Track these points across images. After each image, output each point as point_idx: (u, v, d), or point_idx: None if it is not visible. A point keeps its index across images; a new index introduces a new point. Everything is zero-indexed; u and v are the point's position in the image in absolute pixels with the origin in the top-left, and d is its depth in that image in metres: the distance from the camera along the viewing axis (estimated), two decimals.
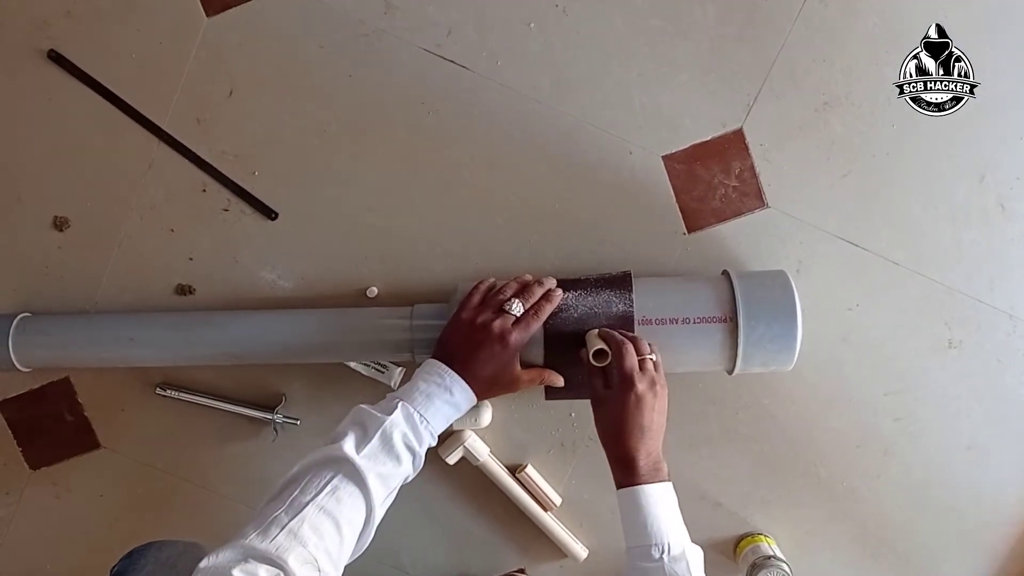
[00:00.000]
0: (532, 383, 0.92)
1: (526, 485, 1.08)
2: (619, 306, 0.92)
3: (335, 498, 0.74)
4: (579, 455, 1.08)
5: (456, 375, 0.86)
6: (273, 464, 1.10)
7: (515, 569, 1.11)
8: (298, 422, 1.08)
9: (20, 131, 1.06)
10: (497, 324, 0.87)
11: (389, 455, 0.79)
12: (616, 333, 0.89)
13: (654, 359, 0.88)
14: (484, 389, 0.87)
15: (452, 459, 1.05)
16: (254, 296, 1.07)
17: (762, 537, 1.07)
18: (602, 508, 1.09)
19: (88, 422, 1.11)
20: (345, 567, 0.75)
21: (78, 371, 1.10)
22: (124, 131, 1.05)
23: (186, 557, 0.90)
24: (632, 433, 0.85)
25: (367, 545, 0.78)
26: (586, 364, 0.89)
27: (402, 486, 0.82)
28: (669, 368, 0.94)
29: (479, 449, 1.05)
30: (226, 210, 1.06)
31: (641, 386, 0.85)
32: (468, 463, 1.07)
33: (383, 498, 0.78)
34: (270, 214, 1.06)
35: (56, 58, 1.04)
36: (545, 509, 1.08)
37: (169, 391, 1.08)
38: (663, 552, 0.82)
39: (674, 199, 1.04)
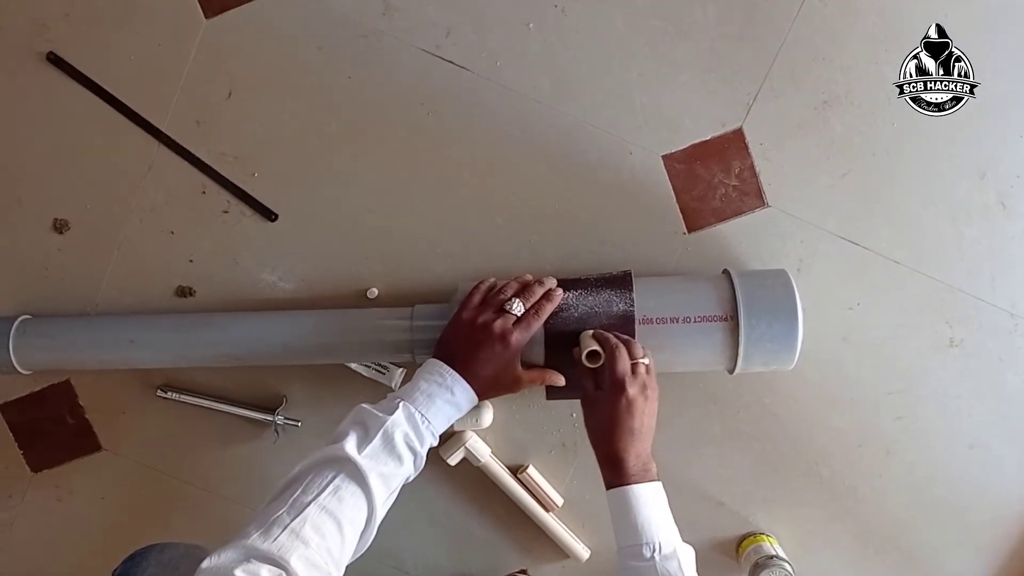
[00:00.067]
0: (533, 383, 0.92)
1: (527, 486, 1.07)
2: (620, 305, 0.92)
3: (337, 498, 0.74)
4: (581, 455, 1.08)
5: (457, 375, 0.85)
6: (274, 466, 1.10)
7: (517, 570, 1.10)
8: (299, 423, 1.08)
9: (19, 133, 1.07)
10: (498, 324, 0.87)
11: (391, 455, 0.79)
12: (611, 335, 0.89)
13: (647, 363, 0.88)
14: (485, 389, 0.87)
15: (453, 460, 1.05)
16: (254, 298, 1.07)
17: (764, 537, 1.07)
18: (604, 509, 1.06)
19: (89, 424, 1.11)
20: (347, 567, 0.75)
21: (79, 373, 1.10)
22: (124, 133, 1.05)
23: (188, 559, 0.90)
24: (622, 436, 0.86)
25: (368, 545, 0.78)
26: (578, 364, 0.89)
27: (403, 486, 0.82)
28: (670, 367, 0.94)
29: (480, 450, 1.05)
30: (226, 212, 1.06)
31: (632, 390, 0.86)
32: (469, 464, 1.07)
33: (385, 498, 0.78)
34: (270, 215, 1.06)
35: (55, 60, 1.04)
36: (547, 510, 1.08)
37: (170, 393, 1.08)
38: (654, 551, 0.82)
39: (674, 199, 1.04)
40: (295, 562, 0.68)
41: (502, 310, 0.89)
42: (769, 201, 1.03)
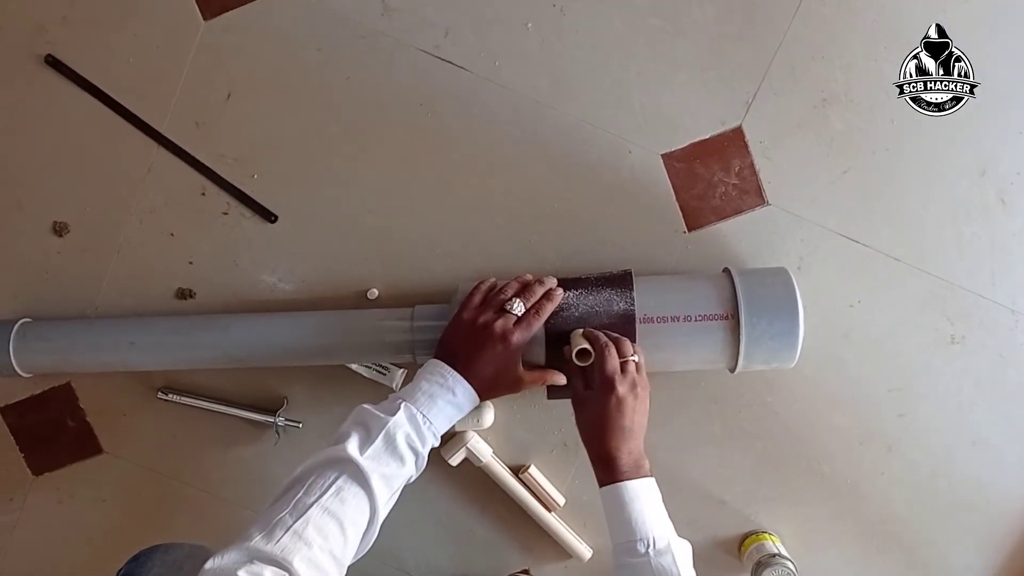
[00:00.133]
0: (534, 384, 0.91)
1: (529, 485, 1.07)
2: (620, 305, 0.92)
3: (339, 499, 0.74)
4: (582, 455, 1.06)
5: (459, 375, 0.85)
6: (276, 467, 1.10)
7: (519, 570, 1.10)
8: (300, 425, 1.07)
9: (18, 136, 1.06)
10: (499, 324, 0.87)
11: (392, 456, 0.79)
12: (600, 334, 0.89)
13: (636, 360, 0.88)
14: (487, 389, 0.87)
15: (455, 460, 1.05)
16: (255, 299, 1.07)
17: (766, 535, 1.07)
18: None
19: (90, 427, 1.11)
20: (348, 568, 0.75)
21: (79, 376, 1.10)
22: (123, 135, 1.05)
23: (192, 560, 0.90)
24: (613, 434, 0.86)
25: (371, 546, 0.78)
26: (568, 363, 0.89)
27: (405, 487, 0.82)
28: (670, 366, 0.94)
29: (482, 450, 1.05)
30: (226, 213, 1.06)
31: (622, 389, 0.86)
32: (471, 464, 1.07)
33: (387, 499, 0.78)
34: (270, 217, 1.06)
35: (53, 63, 1.04)
36: (549, 509, 1.08)
37: (171, 395, 1.08)
38: (648, 547, 0.82)
39: (674, 198, 1.04)
40: (298, 563, 0.68)
41: (503, 310, 0.89)
42: (769, 199, 1.03)
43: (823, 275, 1.03)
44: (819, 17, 1.00)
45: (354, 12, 1.03)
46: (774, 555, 1.02)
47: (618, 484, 0.85)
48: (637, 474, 0.85)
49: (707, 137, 1.03)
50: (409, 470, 0.81)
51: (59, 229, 1.07)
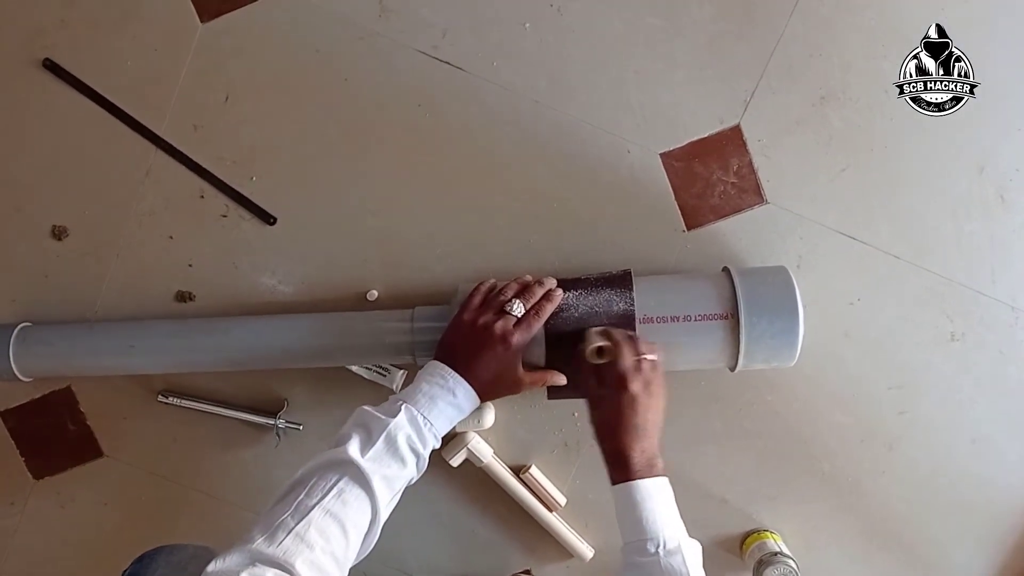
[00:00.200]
0: (535, 385, 0.91)
1: (530, 486, 1.07)
2: (620, 305, 0.92)
3: (341, 501, 0.74)
4: (583, 454, 1.08)
5: (459, 377, 0.85)
6: (277, 469, 1.10)
7: (521, 570, 1.10)
8: (301, 427, 1.07)
9: (16, 140, 1.06)
10: (499, 325, 0.87)
11: (394, 457, 0.79)
12: (616, 332, 0.89)
13: (652, 359, 0.88)
14: (487, 391, 0.87)
15: (456, 461, 1.05)
16: (254, 301, 1.07)
17: (768, 533, 1.07)
18: (607, 507, 1.06)
19: (91, 431, 1.11)
20: (350, 569, 0.75)
21: (80, 380, 1.10)
22: (121, 138, 1.05)
23: (197, 561, 0.90)
24: (627, 432, 0.85)
25: (372, 548, 0.78)
26: (584, 361, 0.89)
27: (406, 488, 0.82)
28: (671, 366, 0.94)
29: (483, 450, 1.05)
30: (224, 216, 1.06)
31: (636, 386, 0.85)
32: (472, 465, 1.07)
33: (388, 500, 0.78)
34: (268, 219, 1.06)
35: (51, 67, 1.04)
36: (550, 509, 1.08)
37: (171, 398, 1.08)
38: (658, 547, 0.82)
39: (673, 197, 1.04)
40: (300, 566, 0.68)
41: (503, 311, 0.89)
42: (768, 198, 1.03)
43: (822, 273, 1.03)
44: (817, 15, 1.00)
45: (352, 13, 1.02)
46: (776, 553, 1.02)
47: (630, 483, 0.84)
48: (650, 473, 0.85)
49: (706, 136, 1.03)
50: (410, 472, 0.81)
51: (58, 233, 1.07)
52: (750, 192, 1.03)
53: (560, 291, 0.92)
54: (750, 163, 1.03)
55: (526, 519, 1.08)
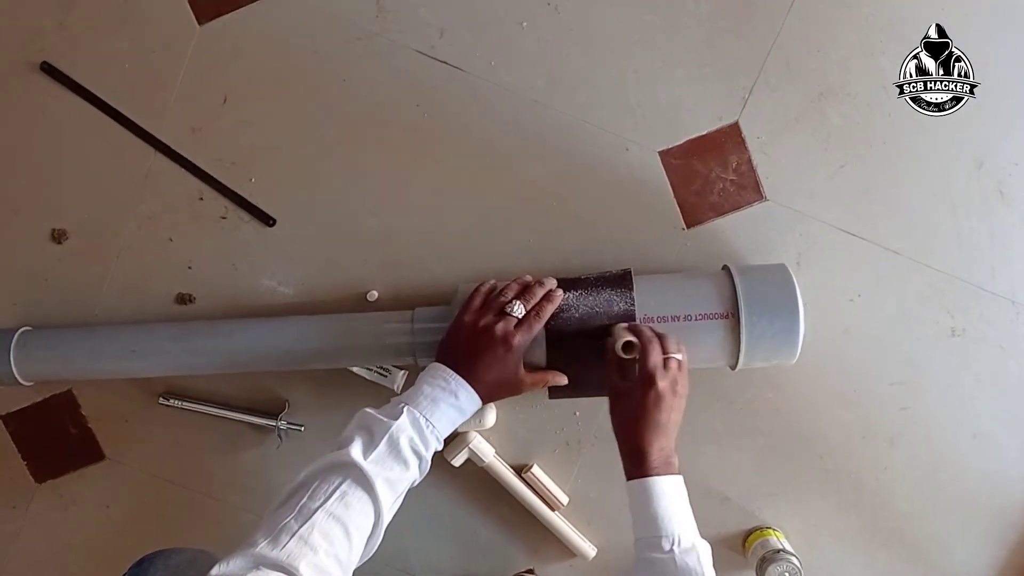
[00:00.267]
0: (536, 386, 0.92)
1: (532, 485, 1.07)
2: (620, 305, 0.92)
3: (344, 504, 0.74)
4: (585, 454, 1.08)
5: (461, 379, 0.85)
6: (278, 471, 1.10)
7: (524, 570, 1.10)
8: (302, 428, 1.08)
9: (15, 144, 1.06)
10: (500, 327, 0.87)
11: (396, 460, 0.79)
12: (645, 328, 0.89)
13: (679, 358, 0.88)
14: (489, 392, 0.87)
15: (457, 461, 1.05)
16: (254, 303, 1.07)
17: (771, 531, 1.07)
18: (609, 506, 1.08)
19: (92, 434, 1.11)
20: (353, 572, 0.75)
21: (81, 383, 1.10)
22: (119, 141, 1.05)
23: (194, 565, 0.90)
24: (648, 428, 0.85)
25: (375, 550, 0.78)
26: (612, 356, 0.88)
27: (408, 489, 0.82)
28: None
29: (484, 450, 1.05)
30: (224, 218, 1.06)
31: (662, 384, 0.85)
32: (474, 465, 1.07)
33: (391, 503, 0.78)
34: (268, 221, 1.06)
35: (49, 70, 1.04)
36: (552, 509, 1.08)
37: (172, 401, 1.08)
38: (674, 544, 0.82)
39: (672, 195, 1.04)
40: (304, 569, 0.68)
41: (503, 312, 0.89)
42: (767, 195, 1.03)
43: (822, 270, 1.03)
44: (814, 12, 1.00)
45: (349, 14, 1.02)
46: (779, 551, 1.02)
47: (647, 479, 0.84)
48: (667, 471, 0.85)
49: (704, 133, 1.03)
50: (413, 474, 0.81)
51: (58, 236, 1.07)
52: (749, 189, 1.03)
53: (560, 291, 0.92)
54: (749, 160, 1.03)
55: (528, 518, 1.08)
